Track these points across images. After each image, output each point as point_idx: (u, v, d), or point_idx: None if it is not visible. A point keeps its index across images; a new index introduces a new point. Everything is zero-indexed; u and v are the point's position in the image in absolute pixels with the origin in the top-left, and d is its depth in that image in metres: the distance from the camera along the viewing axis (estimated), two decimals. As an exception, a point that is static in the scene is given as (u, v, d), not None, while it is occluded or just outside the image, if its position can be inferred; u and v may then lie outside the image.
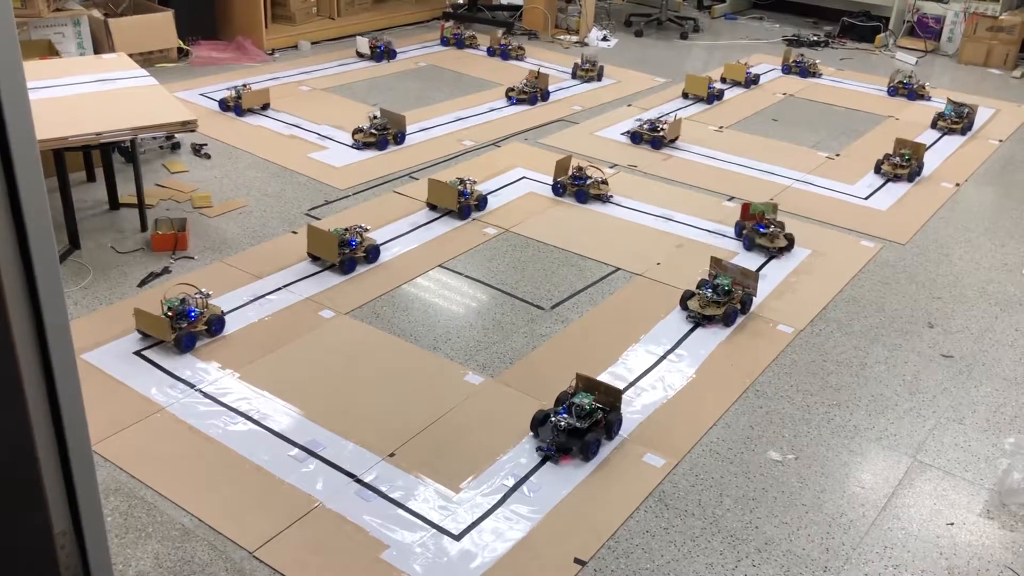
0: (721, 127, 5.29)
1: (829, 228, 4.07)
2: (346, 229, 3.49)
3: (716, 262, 3.40)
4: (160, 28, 5.81)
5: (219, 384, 2.79)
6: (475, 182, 4.11)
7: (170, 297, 2.99)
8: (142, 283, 3.34)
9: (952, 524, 2.41)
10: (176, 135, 4.53)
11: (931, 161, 4.84)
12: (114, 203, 3.89)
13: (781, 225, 3.80)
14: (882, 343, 3.21)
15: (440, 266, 3.56)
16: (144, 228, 3.72)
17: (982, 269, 3.79)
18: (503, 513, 2.35)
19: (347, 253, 3.45)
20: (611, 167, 4.60)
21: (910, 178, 4.57)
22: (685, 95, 5.81)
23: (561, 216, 4.05)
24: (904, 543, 2.33)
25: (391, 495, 2.38)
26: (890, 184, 4.57)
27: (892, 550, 2.31)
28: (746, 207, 3.83)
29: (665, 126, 4.93)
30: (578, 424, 2.53)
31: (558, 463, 2.52)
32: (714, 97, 5.76)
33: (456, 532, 2.28)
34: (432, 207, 4.02)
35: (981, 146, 5.21)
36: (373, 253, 3.54)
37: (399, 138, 4.73)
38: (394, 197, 4.14)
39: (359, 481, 2.43)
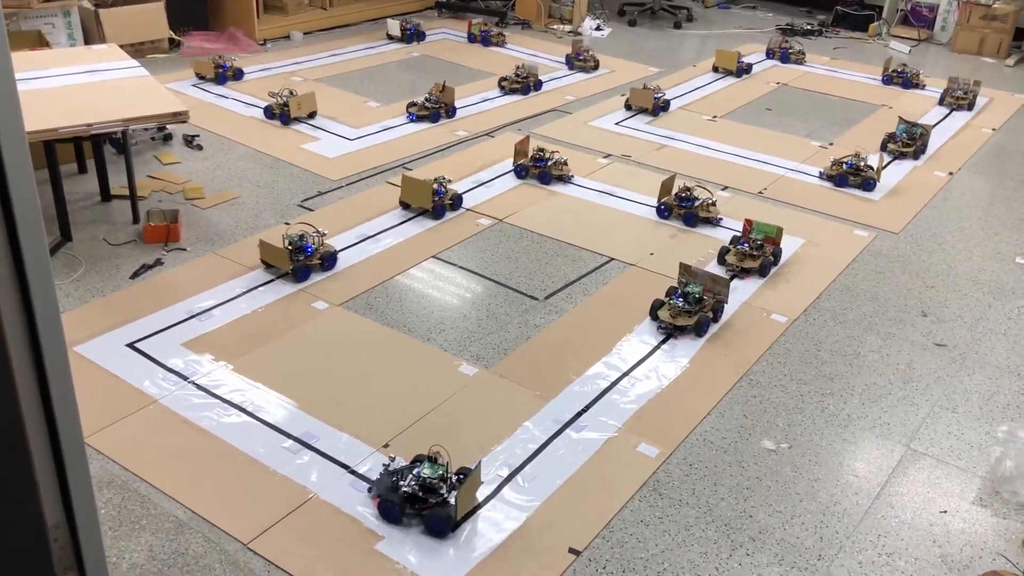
0: (715, 116, 5.29)
1: (822, 217, 4.07)
2: (435, 179, 3.84)
3: (685, 268, 3.25)
4: (151, 19, 5.78)
5: (212, 376, 2.78)
6: (560, 155, 4.32)
7: (291, 233, 3.34)
8: (134, 275, 3.33)
9: (945, 512, 2.42)
10: (168, 126, 4.52)
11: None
12: (106, 195, 3.88)
13: (771, 249, 3.51)
14: (875, 332, 3.22)
15: (434, 257, 3.56)
16: (136, 220, 3.70)
17: (975, 258, 3.80)
18: (498, 503, 2.35)
19: (437, 201, 3.80)
20: (604, 157, 4.60)
21: (867, 187, 4.31)
22: (715, 69, 6.15)
23: (555, 207, 4.05)
24: (897, 531, 2.34)
25: (386, 486, 2.38)
26: (886, 170, 4.57)
27: (885, 538, 2.32)
28: (749, 223, 3.60)
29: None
30: (413, 490, 2.25)
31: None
32: (743, 71, 6.12)
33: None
34: (520, 170, 4.26)
35: (974, 135, 5.22)
36: (457, 201, 3.92)
37: (312, 116, 4.90)
38: (388, 188, 4.13)
39: (353, 472, 2.43)
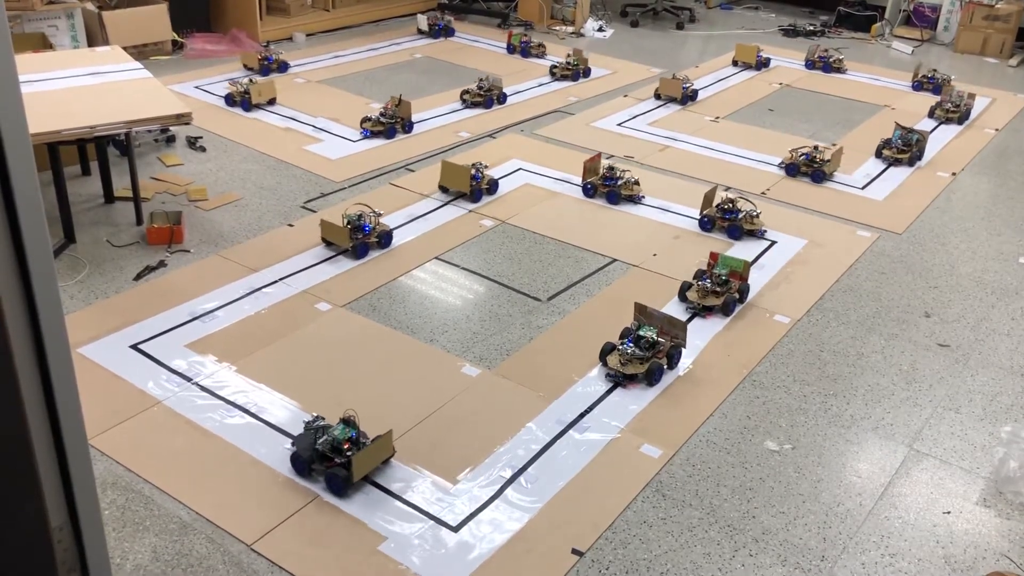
0: (717, 117, 5.29)
1: (825, 218, 4.07)
2: (473, 165, 4.03)
3: (640, 309, 2.98)
4: (154, 21, 5.79)
5: (216, 377, 2.78)
6: (631, 174, 4.19)
7: (349, 212, 3.54)
8: (138, 277, 3.33)
9: (949, 513, 2.42)
10: (171, 128, 4.52)
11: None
12: (109, 197, 3.88)
13: (738, 284, 3.29)
14: (879, 333, 3.22)
15: (436, 258, 3.56)
16: (139, 221, 3.71)
17: (978, 258, 3.80)
18: (501, 504, 2.35)
19: (475, 185, 3.99)
20: (607, 158, 4.60)
21: (816, 178, 4.42)
22: (735, 63, 6.35)
23: (558, 208, 4.05)
24: (901, 532, 2.34)
25: (389, 487, 2.39)
26: (886, 173, 4.57)
27: (889, 539, 2.32)
28: (714, 257, 3.36)
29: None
30: (323, 449, 2.39)
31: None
32: (762, 64, 6.32)
33: (454, 524, 2.28)
34: (588, 188, 4.15)
35: (977, 135, 5.21)
36: (494, 186, 4.11)
37: (271, 102, 5.09)
38: (391, 189, 4.13)
39: (357, 473, 2.43)
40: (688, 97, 5.48)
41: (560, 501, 2.37)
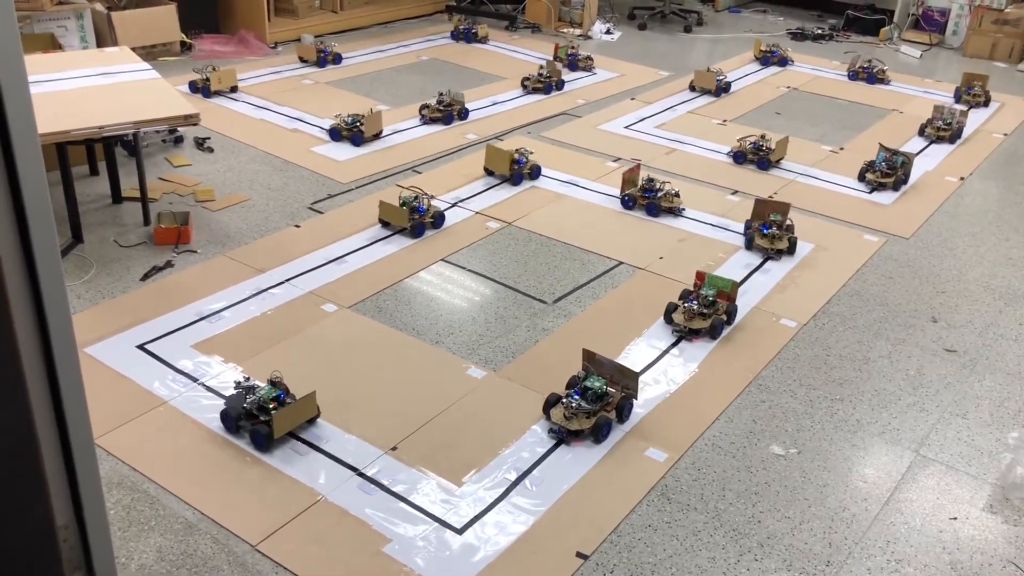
0: (725, 120, 5.28)
1: (833, 222, 4.06)
2: (516, 150, 4.24)
3: (588, 356, 2.71)
4: (163, 21, 5.80)
5: (222, 378, 2.79)
6: (671, 185, 4.08)
7: (405, 195, 3.73)
8: (145, 277, 3.34)
9: (955, 519, 2.41)
10: (179, 129, 4.53)
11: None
12: (117, 197, 3.89)
13: (725, 305, 3.17)
14: (885, 337, 3.21)
15: (442, 260, 3.56)
16: (147, 222, 3.72)
17: (986, 263, 3.78)
18: (505, 507, 2.35)
19: (516, 169, 4.19)
20: (614, 160, 4.60)
21: (761, 166, 4.55)
22: (757, 57, 6.64)
23: (564, 210, 4.04)
24: (907, 537, 2.33)
25: (393, 489, 2.39)
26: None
27: (895, 544, 2.31)
28: (701, 275, 3.24)
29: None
30: (250, 408, 2.56)
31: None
32: (783, 61, 6.55)
33: (458, 526, 2.28)
34: (627, 200, 4.00)
35: (986, 140, 5.20)
36: (536, 172, 4.31)
37: (233, 90, 5.22)
38: (398, 191, 4.13)
39: (361, 475, 2.43)
40: (722, 89, 5.69)
41: (565, 504, 2.37)
